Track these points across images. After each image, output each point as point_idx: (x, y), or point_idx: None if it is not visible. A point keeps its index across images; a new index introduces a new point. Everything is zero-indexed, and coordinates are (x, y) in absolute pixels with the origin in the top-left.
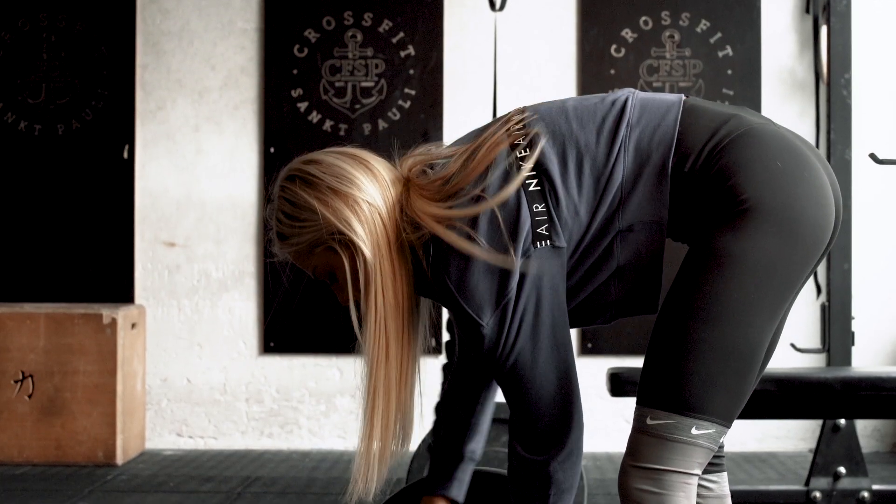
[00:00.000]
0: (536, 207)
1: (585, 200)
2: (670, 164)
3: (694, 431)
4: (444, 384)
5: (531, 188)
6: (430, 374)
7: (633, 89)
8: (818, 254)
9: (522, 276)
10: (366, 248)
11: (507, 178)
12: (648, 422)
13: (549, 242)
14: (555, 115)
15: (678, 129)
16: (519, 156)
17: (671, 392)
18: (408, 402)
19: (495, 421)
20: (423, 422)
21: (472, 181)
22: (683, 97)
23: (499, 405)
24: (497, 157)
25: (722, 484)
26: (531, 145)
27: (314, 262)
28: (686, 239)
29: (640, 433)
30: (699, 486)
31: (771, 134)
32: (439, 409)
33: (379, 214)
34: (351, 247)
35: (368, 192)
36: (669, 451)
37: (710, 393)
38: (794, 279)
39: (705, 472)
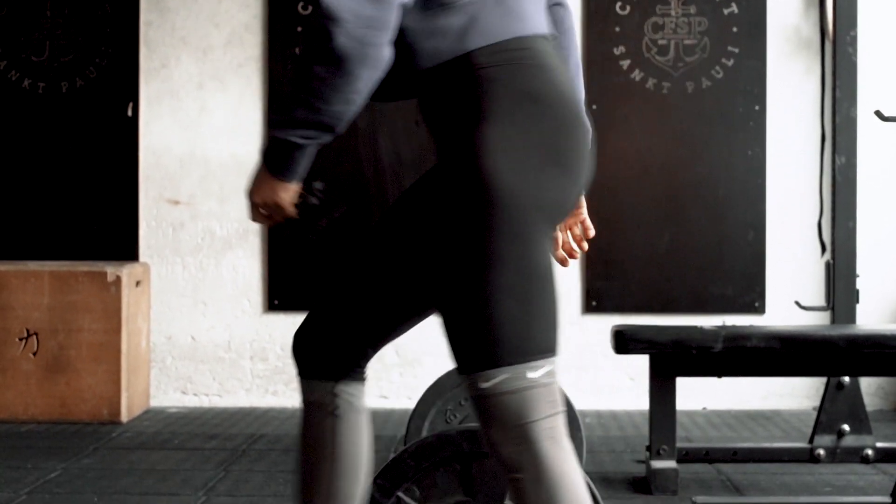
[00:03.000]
0: None
1: None
2: None
3: (530, 375)
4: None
5: None
6: (432, 332)
7: None
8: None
9: None
10: None
11: None
12: (483, 385)
13: None
14: None
15: None
16: None
17: (490, 348)
18: None
19: None
20: (419, 379)
21: None
22: None
23: None
24: None
25: (359, 396)
26: None
27: None
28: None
29: (481, 399)
30: (336, 396)
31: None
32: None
33: None
34: None
35: None
36: (517, 404)
37: (527, 332)
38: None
39: (343, 380)
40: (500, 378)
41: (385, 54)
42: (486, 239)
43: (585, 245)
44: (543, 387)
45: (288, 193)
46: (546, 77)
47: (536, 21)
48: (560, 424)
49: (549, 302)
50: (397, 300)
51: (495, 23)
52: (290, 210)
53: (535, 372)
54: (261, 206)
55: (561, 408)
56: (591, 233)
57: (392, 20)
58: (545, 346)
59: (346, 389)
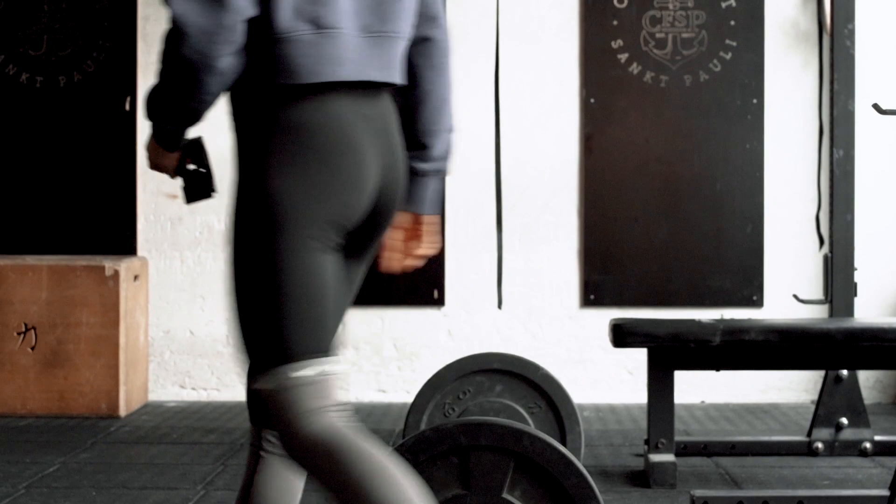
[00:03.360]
0: None
1: None
2: None
3: (294, 374)
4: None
5: None
6: (431, 326)
7: None
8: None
9: None
10: None
11: None
12: (256, 387)
13: None
14: None
15: None
16: None
17: (258, 352)
18: None
19: (488, 371)
20: (417, 373)
21: None
22: None
23: (488, 356)
24: None
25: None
26: None
27: None
28: None
29: (260, 400)
30: (262, 439)
31: None
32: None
33: None
34: None
35: None
36: (286, 401)
37: (288, 336)
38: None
39: (267, 428)
40: (267, 379)
41: (230, 63)
42: (251, 253)
43: (413, 262)
44: (311, 384)
45: (169, 160)
46: (324, 111)
47: (356, 66)
48: (337, 416)
49: (314, 307)
50: None
51: (305, 64)
52: (170, 173)
53: (299, 371)
54: (150, 162)
55: (334, 400)
56: (428, 251)
57: (235, 35)
58: (308, 348)
59: (271, 436)
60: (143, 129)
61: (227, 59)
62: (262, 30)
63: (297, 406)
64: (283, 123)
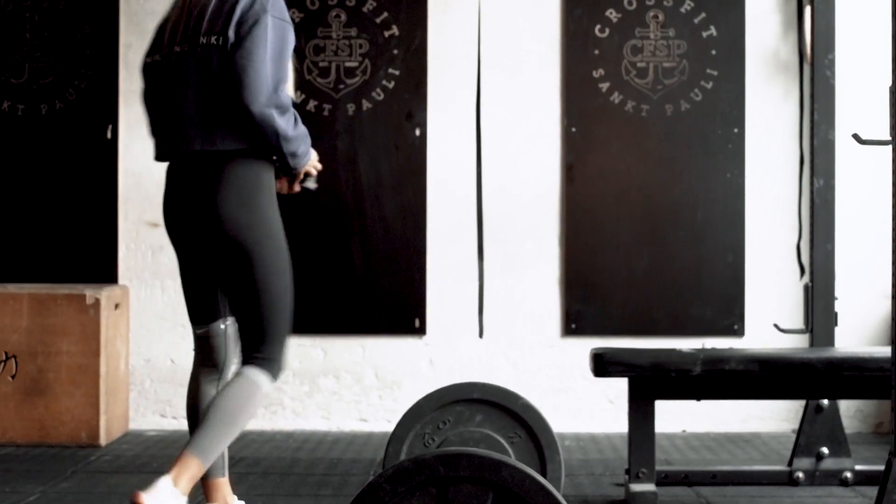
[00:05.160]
0: None
1: None
2: None
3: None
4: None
5: None
6: (412, 355)
7: None
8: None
9: None
10: None
11: None
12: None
13: None
14: None
15: None
16: None
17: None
18: None
19: (468, 401)
20: (398, 402)
21: None
22: None
23: (468, 386)
24: None
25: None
26: None
27: None
28: None
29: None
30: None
31: None
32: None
33: None
34: None
35: None
36: None
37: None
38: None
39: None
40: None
41: None
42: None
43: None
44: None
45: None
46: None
47: (182, 140)
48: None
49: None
50: None
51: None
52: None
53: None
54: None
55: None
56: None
57: None
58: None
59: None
60: (125, 156)
61: None
62: None
63: None
64: None
